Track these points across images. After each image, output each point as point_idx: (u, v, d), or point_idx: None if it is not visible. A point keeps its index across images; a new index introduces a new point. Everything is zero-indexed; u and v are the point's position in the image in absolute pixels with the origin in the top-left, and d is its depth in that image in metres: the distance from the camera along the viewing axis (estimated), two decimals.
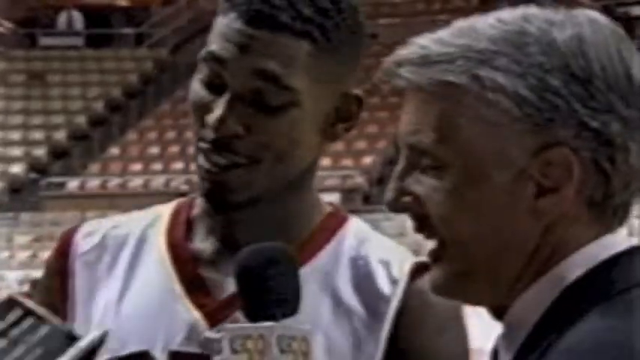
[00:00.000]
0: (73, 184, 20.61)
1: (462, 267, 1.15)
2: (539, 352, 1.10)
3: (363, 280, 1.48)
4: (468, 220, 1.13)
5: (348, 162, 19.72)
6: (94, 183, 20.41)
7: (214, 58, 1.42)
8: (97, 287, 1.51)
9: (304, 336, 1.27)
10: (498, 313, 1.17)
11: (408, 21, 22.61)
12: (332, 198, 17.17)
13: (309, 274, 1.42)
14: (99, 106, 23.10)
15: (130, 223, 1.54)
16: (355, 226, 1.52)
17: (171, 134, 20.82)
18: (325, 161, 19.17)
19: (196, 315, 1.44)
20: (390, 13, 22.67)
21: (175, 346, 1.44)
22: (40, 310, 1.35)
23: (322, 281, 1.45)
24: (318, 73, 1.44)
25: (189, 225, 1.50)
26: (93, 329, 1.42)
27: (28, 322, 1.35)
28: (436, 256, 1.16)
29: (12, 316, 1.35)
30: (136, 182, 20.06)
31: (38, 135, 22.45)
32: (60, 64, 24.61)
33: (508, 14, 1.16)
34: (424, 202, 1.14)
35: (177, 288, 1.46)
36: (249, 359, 1.24)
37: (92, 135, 22.51)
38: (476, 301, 1.18)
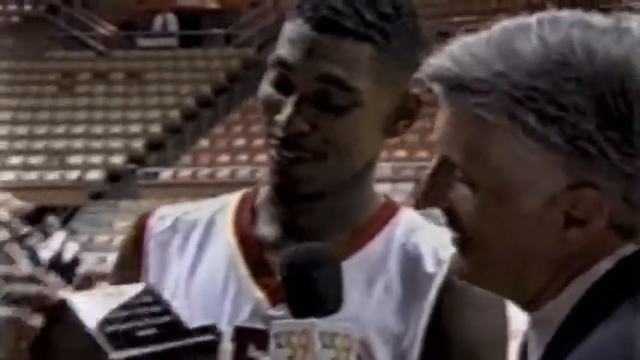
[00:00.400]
0: (166, 173, 21.18)
1: (484, 262, 1.12)
2: (567, 348, 1.08)
3: (411, 263, 1.49)
4: (495, 232, 1.10)
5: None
6: (185, 173, 20.95)
7: (282, 63, 1.45)
8: (168, 265, 1.54)
9: (347, 333, 1.27)
10: (526, 307, 1.15)
11: (482, 18, 22.75)
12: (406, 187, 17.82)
13: (363, 260, 1.47)
14: (190, 101, 23.55)
15: (199, 209, 1.58)
16: (407, 215, 1.54)
17: (256, 128, 20.98)
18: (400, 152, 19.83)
19: (260, 294, 1.47)
20: (463, 11, 22.82)
21: (240, 322, 1.47)
22: None
23: (375, 265, 1.47)
24: (380, 75, 1.45)
25: (254, 212, 1.53)
26: (180, 303, 1.46)
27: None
28: (460, 245, 1.14)
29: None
30: (224, 172, 20.62)
31: (136, 128, 22.90)
32: (156, 64, 24.93)
33: (552, 33, 1.08)
34: (455, 206, 1.12)
35: (243, 269, 1.49)
36: (292, 354, 1.25)
37: (184, 128, 23.03)
38: (495, 292, 1.17)
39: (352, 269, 1.42)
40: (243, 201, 1.55)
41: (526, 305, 1.14)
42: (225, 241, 1.52)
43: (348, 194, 1.50)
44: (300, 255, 1.32)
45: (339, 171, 1.47)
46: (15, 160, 21.97)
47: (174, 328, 1.34)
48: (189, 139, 22.74)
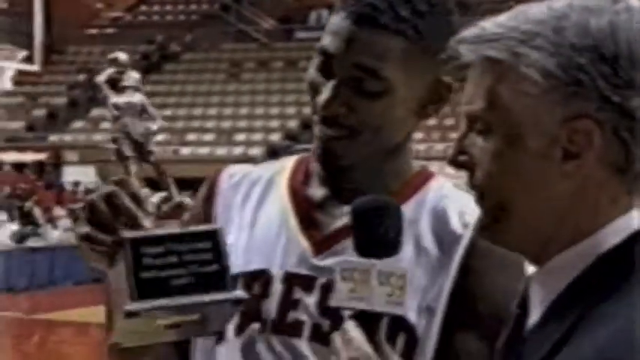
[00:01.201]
0: None
1: (501, 215, 1.17)
2: (569, 319, 1.11)
3: (440, 225, 1.54)
4: (507, 177, 1.15)
5: None
6: None
7: (324, 52, 1.50)
8: (232, 215, 1.62)
9: (402, 273, 1.32)
10: (536, 261, 1.20)
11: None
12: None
13: None
14: None
15: (262, 169, 1.66)
16: (438, 182, 1.59)
17: None
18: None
19: (306, 244, 1.54)
20: None
21: (289, 268, 1.55)
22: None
23: (407, 226, 1.44)
24: (411, 66, 1.50)
25: (307, 174, 1.60)
26: (232, 247, 1.49)
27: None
28: (482, 203, 1.20)
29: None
30: None
31: (291, 110, 23.72)
32: (310, 53, 20.66)
33: (559, 2, 1.17)
34: (475, 160, 1.18)
35: (293, 222, 1.57)
36: (353, 287, 1.32)
37: None
38: (514, 247, 1.21)
39: None
40: (299, 164, 1.62)
41: (535, 257, 1.19)
42: (280, 198, 1.60)
43: (385, 164, 1.56)
44: (371, 200, 1.37)
45: (372, 148, 1.52)
46: (191, 137, 23.35)
47: (213, 279, 1.30)
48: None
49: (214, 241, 1.34)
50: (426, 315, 1.52)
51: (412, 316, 1.50)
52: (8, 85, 19.10)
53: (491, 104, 1.17)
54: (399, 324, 1.48)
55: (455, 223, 1.55)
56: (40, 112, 26.10)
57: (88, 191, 17.57)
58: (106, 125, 24.65)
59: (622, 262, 1.14)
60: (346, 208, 1.46)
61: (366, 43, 1.49)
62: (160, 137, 22.96)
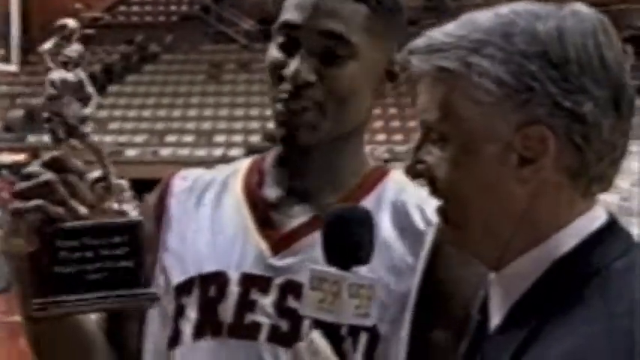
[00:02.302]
0: None
1: (461, 222, 1.19)
2: (530, 325, 1.11)
3: (401, 220, 1.53)
4: (465, 185, 1.17)
5: None
6: None
7: (288, 25, 1.51)
8: (186, 218, 1.59)
9: (371, 284, 1.33)
10: (494, 266, 1.22)
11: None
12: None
13: None
14: None
15: (215, 171, 1.64)
16: (396, 176, 1.58)
17: (393, 110, 21.21)
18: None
19: (263, 245, 1.53)
20: None
21: (246, 269, 1.53)
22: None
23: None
24: (373, 33, 1.52)
25: (262, 176, 1.59)
26: (187, 250, 1.55)
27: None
28: (442, 211, 1.22)
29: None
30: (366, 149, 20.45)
31: (271, 111, 23.57)
32: None
33: (505, 8, 1.19)
34: (432, 169, 1.19)
35: (250, 223, 1.55)
36: (323, 297, 1.32)
37: None
38: (474, 253, 1.22)
39: None
40: (252, 165, 1.61)
41: (494, 262, 1.19)
42: (235, 199, 1.58)
43: (340, 155, 1.55)
44: (343, 212, 1.37)
45: (336, 122, 1.51)
46: (171, 138, 23.08)
47: (129, 275, 1.28)
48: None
49: (132, 235, 1.31)
50: (389, 313, 1.50)
51: (374, 312, 1.43)
52: None
53: (445, 114, 1.18)
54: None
55: (417, 219, 1.54)
56: (17, 113, 25.78)
57: None
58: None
59: (579, 266, 1.14)
60: (300, 207, 1.53)
61: (331, 10, 1.50)
62: (139, 138, 23.81)
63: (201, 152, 22.35)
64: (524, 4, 1.20)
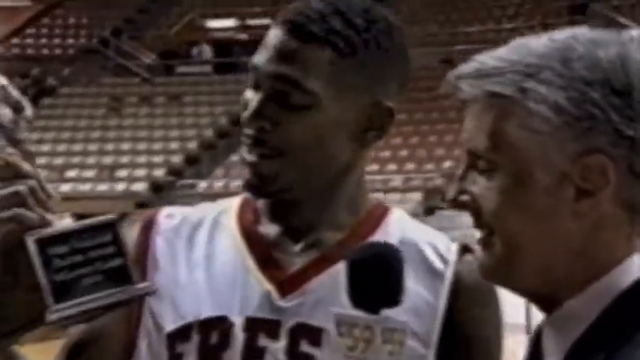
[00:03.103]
0: (202, 185, 21.22)
1: (508, 256, 1.11)
2: (597, 353, 1.06)
3: (415, 258, 1.44)
4: (515, 217, 1.10)
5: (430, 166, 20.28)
6: (218, 184, 20.88)
7: (253, 66, 1.44)
8: (177, 260, 1.48)
9: (403, 328, 1.28)
10: (545, 305, 1.13)
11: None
12: (415, 197, 18.29)
13: None
14: (223, 121, 23.68)
15: (204, 209, 1.53)
16: (398, 214, 1.51)
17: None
18: (409, 165, 20.29)
19: (269, 286, 1.42)
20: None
21: (251, 313, 1.42)
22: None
23: None
24: (342, 82, 1.41)
25: (256, 213, 1.49)
26: (180, 294, 1.45)
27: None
28: (485, 242, 1.13)
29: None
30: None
31: (175, 145, 23.28)
32: (193, 88, 25.15)
33: (560, 34, 1.13)
34: (478, 200, 1.12)
35: (250, 263, 1.45)
36: (354, 344, 1.25)
37: (218, 145, 23.18)
38: (520, 288, 1.14)
39: None
40: (245, 202, 1.52)
41: (548, 301, 1.12)
42: (231, 239, 1.48)
43: (333, 196, 1.47)
44: (370, 251, 1.31)
45: (303, 170, 1.43)
46: (71, 173, 22.62)
47: (121, 273, 1.24)
48: (222, 155, 22.85)
49: (114, 232, 1.26)
50: (414, 353, 1.43)
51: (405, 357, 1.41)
52: None
53: (495, 142, 1.12)
54: None
55: (431, 257, 1.47)
56: None
57: None
58: None
59: (636, 307, 1.08)
60: (301, 245, 1.44)
61: (292, 54, 1.41)
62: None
63: (103, 187, 21.99)
64: (579, 30, 1.14)
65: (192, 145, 23.46)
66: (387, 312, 1.28)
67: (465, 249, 1.45)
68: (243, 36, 27.11)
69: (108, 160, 23.42)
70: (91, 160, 23.45)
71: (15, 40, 29.75)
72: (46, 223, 1.24)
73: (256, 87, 1.45)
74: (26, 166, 1.24)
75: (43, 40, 29.35)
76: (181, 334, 1.45)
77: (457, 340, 1.46)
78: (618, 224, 1.11)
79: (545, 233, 1.11)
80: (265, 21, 27.02)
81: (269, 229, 1.50)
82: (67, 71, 26.87)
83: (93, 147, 23.90)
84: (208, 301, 1.46)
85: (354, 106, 1.44)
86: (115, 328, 1.49)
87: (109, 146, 23.86)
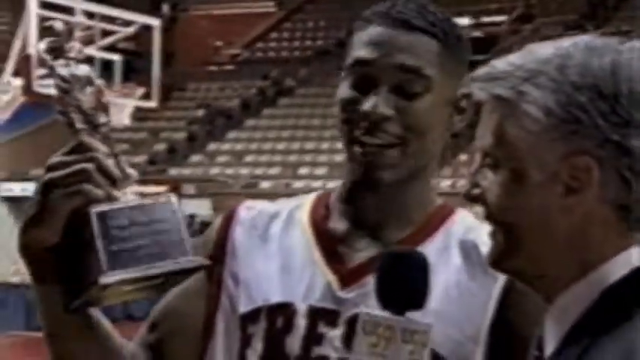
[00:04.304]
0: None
1: (510, 248, 1.19)
2: (580, 347, 1.12)
3: (472, 258, 1.49)
4: (514, 211, 1.17)
5: None
6: (447, 183, 20.39)
7: (363, 62, 1.49)
8: (253, 249, 1.58)
9: (425, 330, 1.30)
10: (546, 296, 1.20)
11: None
12: None
13: (427, 251, 1.42)
14: None
15: (279, 204, 1.63)
16: (462, 215, 1.56)
17: None
18: None
19: (331, 277, 1.50)
20: None
21: (313, 301, 1.50)
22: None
23: (437, 257, 1.46)
24: (445, 67, 1.50)
25: (328, 210, 1.56)
26: (254, 280, 1.55)
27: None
28: (492, 233, 1.21)
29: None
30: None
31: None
32: None
33: (567, 41, 1.19)
34: (485, 193, 1.19)
35: (317, 256, 1.53)
36: (376, 342, 1.30)
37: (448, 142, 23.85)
38: (522, 279, 1.23)
39: None
40: (318, 199, 1.60)
41: (544, 290, 1.19)
42: (302, 232, 1.57)
43: (410, 190, 1.52)
44: (397, 254, 1.37)
45: (417, 158, 1.49)
46: (303, 170, 23.26)
47: (176, 246, 1.32)
48: (450, 154, 22.10)
49: (172, 210, 1.34)
50: (460, 349, 1.48)
51: (444, 349, 1.46)
52: (127, 121, 19.39)
53: (498, 140, 1.19)
54: (432, 358, 1.41)
55: None
56: (160, 147, 26.45)
57: (203, 224, 17.43)
58: (221, 159, 25.52)
59: (627, 294, 1.13)
60: (367, 241, 1.51)
61: (405, 45, 1.49)
62: (272, 171, 24.27)
63: (333, 184, 21.13)
64: (584, 38, 1.20)
65: None
66: (412, 314, 1.32)
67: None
68: (477, 33, 26.72)
69: (339, 157, 22.38)
70: (322, 158, 24.02)
71: (259, 44, 30.99)
72: (112, 198, 1.34)
73: (364, 82, 1.50)
74: (98, 146, 1.37)
75: (284, 44, 30.45)
76: (252, 316, 1.54)
77: (506, 338, 1.48)
78: (606, 222, 1.16)
79: (538, 227, 1.17)
80: (500, 18, 26.72)
81: (338, 225, 1.56)
82: (304, 72, 27.81)
83: (325, 145, 24.45)
84: (277, 288, 1.54)
85: (452, 90, 1.53)
86: (194, 307, 1.57)
87: (341, 144, 23.80)
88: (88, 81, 1.40)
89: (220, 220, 1.63)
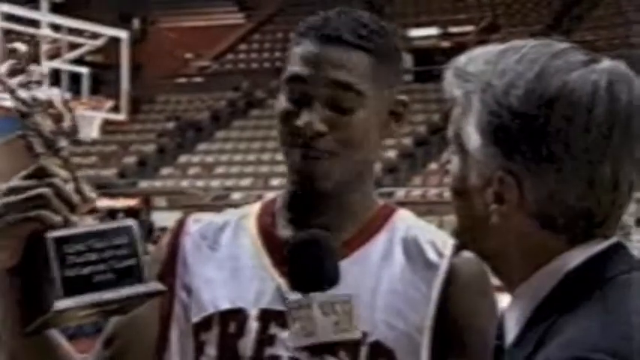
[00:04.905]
0: (400, 193, 21.29)
1: (462, 230, 1.24)
2: (540, 331, 1.15)
3: (414, 254, 1.55)
4: (462, 199, 1.22)
5: None
6: (416, 193, 21.38)
7: (297, 77, 1.52)
8: (203, 259, 1.61)
9: (345, 300, 1.37)
10: (507, 282, 1.23)
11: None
12: None
13: (371, 250, 1.54)
14: (422, 129, 23.98)
15: (226, 215, 1.66)
16: (403, 214, 1.61)
17: None
18: None
19: (281, 281, 1.52)
20: None
21: (264, 305, 1.54)
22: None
23: (381, 256, 1.53)
24: (379, 79, 1.53)
25: (274, 217, 1.60)
26: (205, 289, 1.58)
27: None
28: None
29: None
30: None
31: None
32: None
33: (532, 53, 1.18)
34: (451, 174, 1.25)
35: (266, 261, 1.56)
36: (304, 325, 1.38)
37: (416, 153, 23.50)
38: (487, 262, 1.26)
39: (359, 264, 1.52)
40: (264, 207, 1.63)
41: (504, 280, 1.23)
42: (250, 240, 1.60)
43: (353, 194, 1.56)
44: (299, 238, 1.44)
45: (349, 168, 1.52)
46: (275, 182, 22.60)
47: (132, 273, 1.33)
48: (420, 163, 23.15)
49: (130, 236, 1.34)
50: (407, 341, 1.52)
51: (390, 340, 1.51)
52: (96, 134, 19.24)
53: (455, 134, 1.22)
54: (378, 349, 1.50)
55: (429, 252, 1.55)
56: (130, 160, 26.30)
57: None
58: (192, 171, 25.41)
59: (585, 278, 1.16)
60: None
61: (338, 61, 1.52)
62: (244, 182, 24.26)
63: None
64: (552, 50, 1.20)
65: (392, 154, 23.60)
66: (332, 290, 1.38)
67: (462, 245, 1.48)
68: (445, 44, 27.01)
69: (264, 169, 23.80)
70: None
71: (229, 56, 30.95)
72: (69, 223, 1.35)
73: (300, 97, 1.53)
74: (56, 170, 1.37)
75: (253, 55, 30.42)
76: (204, 324, 1.57)
77: (452, 330, 1.53)
78: (537, 230, 1.19)
79: (479, 221, 1.21)
80: (468, 28, 26.96)
81: (284, 231, 1.59)
82: (275, 83, 27.20)
83: None
84: (228, 295, 1.57)
85: (386, 102, 1.56)
86: (148, 319, 1.59)
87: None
88: (49, 104, 1.40)
89: (169, 233, 1.66)
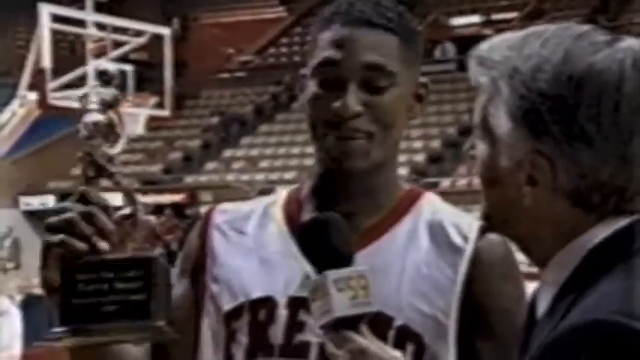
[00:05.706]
0: (445, 183, 21.24)
1: (491, 212, 1.28)
2: (568, 302, 1.19)
3: (439, 237, 1.57)
4: (490, 182, 1.27)
5: None
6: (462, 182, 20.89)
7: (329, 62, 1.55)
8: (230, 249, 1.64)
9: (360, 274, 1.37)
10: (537, 261, 1.28)
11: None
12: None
13: (397, 234, 1.57)
14: (466, 118, 23.09)
15: (252, 204, 1.69)
16: (429, 197, 1.64)
17: None
18: None
19: (308, 267, 1.49)
20: None
21: (293, 292, 1.57)
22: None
23: (407, 240, 1.55)
24: (405, 60, 1.58)
25: (300, 204, 1.64)
26: (234, 278, 1.60)
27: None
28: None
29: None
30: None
31: (418, 144, 22.91)
32: (436, 86, 22.02)
33: (555, 37, 1.22)
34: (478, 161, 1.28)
35: (293, 248, 1.57)
36: (321, 304, 1.37)
37: (461, 142, 22.59)
38: (518, 242, 1.29)
39: (385, 248, 1.56)
40: (290, 195, 1.67)
41: (535, 258, 1.27)
42: (277, 227, 1.63)
43: (379, 178, 1.59)
44: (309, 220, 1.46)
45: (384, 148, 1.56)
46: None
47: (138, 307, 1.31)
48: (466, 152, 22.78)
49: (146, 269, 1.34)
50: (434, 324, 1.54)
51: (417, 324, 1.53)
52: (141, 130, 19.42)
53: (482, 119, 1.26)
54: (405, 333, 1.52)
55: (454, 235, 1.58)
56: (175, 155, 26.42)
57: None
58: (237, 165, 25.52)
59: (612, 251, 1.20)
60: None
61: (369, 44, 1.56)
62: (288, 175, 23.96)
63: None
64: (575, 33, 1.22)
65: (436, 144, 23.32)
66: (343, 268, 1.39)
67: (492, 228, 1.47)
68: (487, 31, 26.18)
69: None
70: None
71: (270, 50, 30.93)
72: (98, 251, 1.38)
73: (332, 81, 1.56)
74: (97, 197, 1.41)
75: (295, 48, 30.19)
76: (235, 313, 1.61)
77: (478, 312, 1.55)
78: (569, 209, 1.22)
79: (510, 203, 1.24)
80: (511, 15, 26.60)
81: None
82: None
83: None
84: (258, 283, 1.60)
85: (412, 82, 1.61)
86: (186, 315, 1.64)
87: None
88: (108, 130, 1.44)
89: (196, 228, 1.69)
